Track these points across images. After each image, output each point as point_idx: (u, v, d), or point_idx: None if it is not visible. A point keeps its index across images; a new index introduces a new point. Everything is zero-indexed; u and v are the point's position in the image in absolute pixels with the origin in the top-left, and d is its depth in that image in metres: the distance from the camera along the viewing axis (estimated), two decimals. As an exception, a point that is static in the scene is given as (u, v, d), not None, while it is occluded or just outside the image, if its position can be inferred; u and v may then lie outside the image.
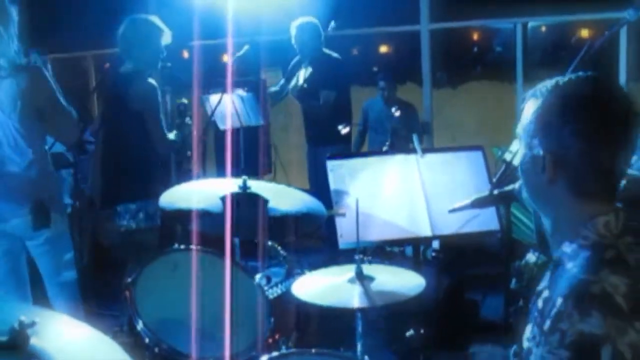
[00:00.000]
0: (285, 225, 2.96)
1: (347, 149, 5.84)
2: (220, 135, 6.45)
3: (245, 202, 2.93)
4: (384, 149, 3.65)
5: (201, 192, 3.01)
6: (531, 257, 5.12)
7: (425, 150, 3.28)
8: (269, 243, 4.02)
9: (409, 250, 4.45)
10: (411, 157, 3.27)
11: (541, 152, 1.52)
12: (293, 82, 5.71)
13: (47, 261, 3.51)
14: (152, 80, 4.25)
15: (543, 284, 1.57)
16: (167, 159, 4.39)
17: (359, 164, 3.25)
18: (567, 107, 1.50)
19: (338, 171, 3.21)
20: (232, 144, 5.96)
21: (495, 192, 2.32)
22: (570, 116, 1.49)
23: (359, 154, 3.60)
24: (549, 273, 1.56)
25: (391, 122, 6.02)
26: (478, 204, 2.41)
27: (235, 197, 2.93)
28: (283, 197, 3.06)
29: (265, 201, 2.95)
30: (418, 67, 7.37)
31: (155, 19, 4.40)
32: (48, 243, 3.46)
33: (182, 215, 2.94)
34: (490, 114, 11.30)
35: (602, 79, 1.55)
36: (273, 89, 6.21)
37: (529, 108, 1.57)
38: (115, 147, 4.29)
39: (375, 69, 14.02)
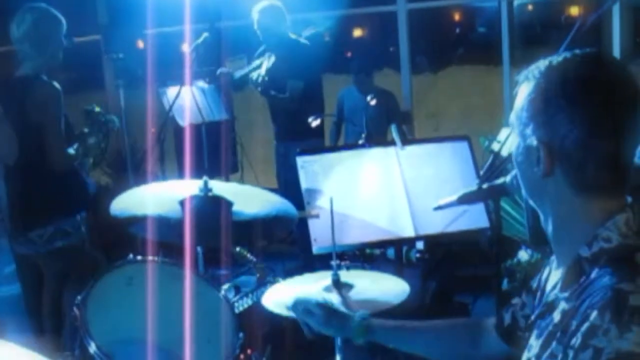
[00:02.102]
0: (252, 230, 2.90)
1: (319, 144, 5.77)
2: (180, 132, 6.38)
3: (207, 206, 2.87)
4: (360, 141, 3.60)
5: (158, 197, 2.95)
6: (523, 254, 5.13)
7: (405, 142, 3.23)
8: (237, 249, 3.97)
9: (391, 252, 4.42)
10: (390, 150, 3.22)
11: (535, 142, 1.45)
12: (255, 74, 5.62)
13: None
14: (55, 84, 3.95)
15: (555, 294, 1.50)
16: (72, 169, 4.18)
17: (333, 160, 3.19)
18: (562, 90, 1.42)
19: (309, 168, 3.15)
20: (193, 141, 5.89)
21: (484, 186, 2.28)
22: (566, 100, 1.41)
23: (332, 148, 3.55)
24: (559, 281, 1.49)
25: (368, 113, 5.99)
26: (465, 199, 2.36)
27: (196, 201, 2.87)
28: (249, 199, 3.01)
29: (229, 204, 2.89)
30: (395, 52, 7.36)
31: (49, 8, 4.06)
32: None
33: (136, 223, 2.86)
34: (475, 101, 11.33)
35: (602, 56, 1.47)
36: (239, 73, 6.12)
37: (522, 92, 1.50)
38: (18, 165, 4.01)
39: (349, 54, 14.01)
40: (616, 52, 6.51)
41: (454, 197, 2.41)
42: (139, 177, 5.95)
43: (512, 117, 1.52)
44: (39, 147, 3.89)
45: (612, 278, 1.35)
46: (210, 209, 2.86)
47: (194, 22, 6.39)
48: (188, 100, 6.09)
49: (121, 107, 6.90)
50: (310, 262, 5.37)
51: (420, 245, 4.55)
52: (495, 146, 4.27)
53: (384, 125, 6.28)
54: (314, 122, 5.34)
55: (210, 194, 2.90)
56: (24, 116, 3.88)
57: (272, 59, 5.38)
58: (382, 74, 8.95)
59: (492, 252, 4.54)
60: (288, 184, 5.55)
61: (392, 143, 3.25)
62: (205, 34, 5.57)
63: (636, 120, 1.42)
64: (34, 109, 3.88)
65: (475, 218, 3.12)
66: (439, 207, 2.50)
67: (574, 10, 13.66)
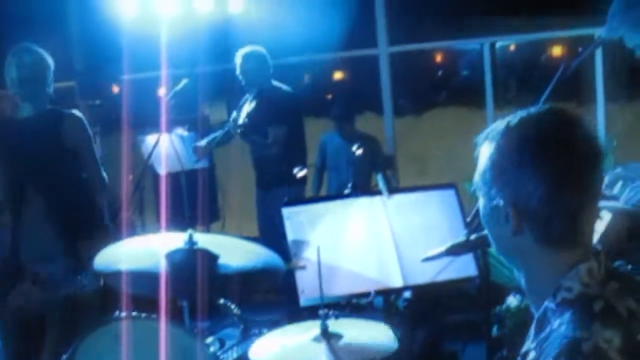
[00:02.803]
0: (238, 283, 2.96)
1: (302, 192, 5.83)
2: (159, 180, 6.42)
3: (193, 260, 2.92)
4: (346, 191, 3.67)
5: (143, 250, 3.00)
6: (512, 300, 5.19)
7: (392, 191, 3.31)
8: (221, 301, 4.01)
9: (378, 301, 4.47)
10: (377, 199, 3.29)
11: (502, 202, 1.52)
12: (233, 116, 5.66)
13: None
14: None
15: (527, 344, 1.57)
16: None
17: (319, 210, 3.26)
18: (522, 151, 1.50)
19: (296, 219, 3.21)
20: (173, 190, 5.93)
21: (472, 237, 2.36)
22: (527, 160, 1.49)
23: (318, 198, 3.62)
24: (532, 332, 1.57)
25: (352, 159, 6.07)
26: (454, 251, 2.43)
27: (181, 255, 2.92)
28: (234, 251, 3.07)
29: (215, 257, 2.94)
30: (377, 95, 7.48)
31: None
32: None
33: (121, 277, 2.91)
34: (459, 144, 11.42)
35: (560, 113, 1.55)
36: (213, 136, 6.08)
37: (483, 153, 1.58)
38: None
39: (329, 96, 14.14)
40: (600, 93, 6.68)
41: (442, 249, 2.48)
42: (117, 227, 5.96)
43: (477, 178, 1.60)
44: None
45: (569, 327, 1.43)
46: (196, 263, 2.90)
47: (172, 68, 6.47)
48: (167, 148, 6.14)
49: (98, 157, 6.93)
50: (296, 313, 5.40)
51: (407, 294, 4.60)
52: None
53: (367, 171, 6.37)
54: (300, 173, 5.41)
55: (195, 247, 2.94)
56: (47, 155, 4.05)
57: (253, 103, 5.44)
58: (364, 117, 9.06)
59: (480, 299, 4.61)
60: (269, 233, 5.59)
61: (378, 192, 3.33)
62: (185, 80, 5.66)
63: (596, 173, 1.51)
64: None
65: (463, 266, 3.20)
66: (428, 259, 2.57)
67: (557, 50, 13.92)
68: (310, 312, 3.83)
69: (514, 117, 1.55)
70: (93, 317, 4.04)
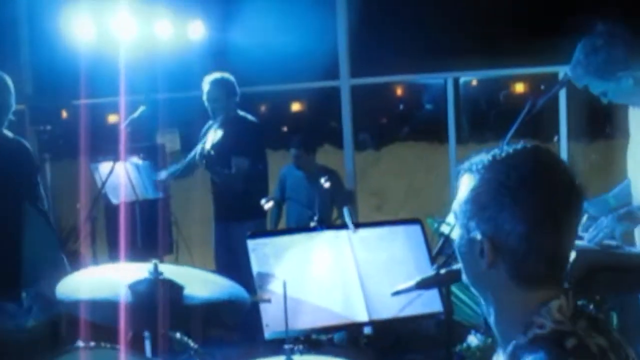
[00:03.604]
0: (203, 315, 3.04)
1: (263, 225, 5.91)
2: (111, 210, 6.46)
3: (158, 290, 3.00)
4: (312, 224, 3.79)
5: (105, 280, 3.07)
6: (473, 339, 5.34)
7: (357, 225, 3.43)
8: (177, 335, 4.07)
9: (338, 337, 4.57)
10: (342, 233, 3.41)
11: (479, 236, 1.61)
12: (199, 147, 5.74)
13: None
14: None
15: None
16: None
17: (285, 243, 3.35)
18: (505, 188, 1.58)
19: (261, 251, 3.31)
20: (126, 221, 5.97)
21: (442, 271, 2.49)
22: (509, 198, 1.57)
23: (283, 231, 3.73)
24: None
25: (313, 192, 6.19)
26: (424, 285, 2.55)
27: (146, 285, 3.00)
28: (199, 282, 3.15)
29: (180, 288, 3.03)
30: (335, 127, 7.62)
31: None
32: None
33: (83, 307, 2.98)
34: (419, 179, 11.68)
35: (542, 154, 1.65)
36: (174, 168, 6.19)
37: (464, 185, 1.65)
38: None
39: (285, 128, 14.24)
40: (563, 131, 6.90)
41: (411, 283, 2.60)
42: (68, 256, 5.97)
43: (455, 207, 1.68)
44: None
45: None
46: (160, 294, 2.98)
47: (128, 94, 6.53)
48: (122, 177, 6.18)
49: (47, 183, 6.97)
50: (254, 349, 5.47)
51: (368, 330, 4.71)
52: (445, 229, 4.51)
53: (327, 205, 6.49)
54: (267, 205, 5.50)
55: (160, 277, 3.02)
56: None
57: (219, 132, 5.51)
58: (323, 150, 9.22)
59: (440, 337, 4.74)
60: (227, 267, 5.64)
61: (344, 226, 3.45)
62: (142, 107, 5.69)
63: (575, 215, 1.63)
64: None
65: (429, 302, 3.32)
66: (397, 293, 2.69)
67: (519, 87, 14.27)
68: (267, 349, 3.93)
69: (500, 152, 1.64)
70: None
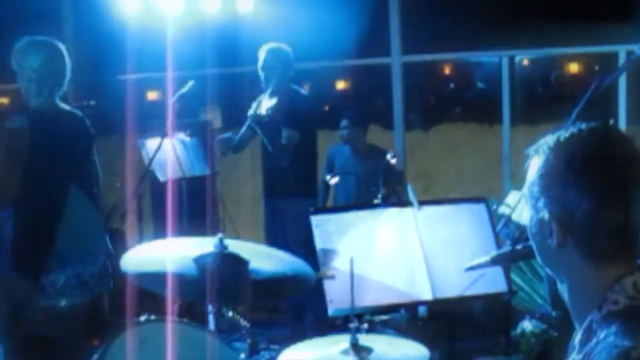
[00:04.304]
0: (269, 290, 3.14)
1: (314, 204, 5.96)
2: (157, 187, 6.58)
3: (223, 265, 3.10)
4: (376, 201, 3.88)
5: (171, 254, 3.17)
6: (527, 325, 5.39)
7: (422, 203, 3.51)
8: (230, 314, 4.19)
9: (394, 319, 4.65)
10: (407, 211, 3.50)
11: (547, 216, 1.69)
12: (253, 108, 5.74)
13: None
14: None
15: (572, 356, 1.74)
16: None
17: (348, 219, 3.45)
18: (570, 167, 1.65)
19: (324, 227, 3.40)
20: (173, 198, 6.08)
21: (519, 247, 2.55)
22: (574, 176, 1.65)
23: (347, 207, 3.80)
24: (577, 344, 1.73)
25: (362, 170, 6.28)
26: (499, 260, 2.63)
27: (211, 259, 3.10)
28: (263, 257, 3.25)
29: (245, 263, 3.13)
30: (383, 106, 7.67)
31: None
32: None
33: (149, 280, 3.09)
34: (468, 161, 11.71)
35: (608, 131, 1.72)
36: (226, 135, 6.11)
37: (533, 166, 1.74)
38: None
39: (326, 107, 14.27)
40: (622, 114, 6.90)
41: (486, 258, 2.67)
42: (112, 236, 6.09)
43: (525, 189, 1.78)
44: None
45: (616, 337, 1.60)
46: (227, 268, 3.08)
47: (174, 69, 6.62)
48: (169, 153, 6.30)
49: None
50: (301, 331, 5.58)
51: (422, 311, 4.79)
52: (505, 209, 4.58)
53: (374, 186, 6.55)
54: (333, 180, 5.53)
55: (225, 251, 3.12)
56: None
57: (274, 100, 5.52)
58: (369, 131, 9.27)
59: (491, 322, 4.81)
60: (277, 245, 5.70)
61: (408, 203, 3.53)
62: (191, 82, 5.75)
63: None
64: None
65: (493, 282, 3.41)
66: (471, 268, 2.77)
67: (573, 68, 14.17)
68: (315, 332, 4.03)
69: (564, 133, 1.72)
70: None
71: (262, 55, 5.88)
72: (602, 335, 1.63)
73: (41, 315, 4.14)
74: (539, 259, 1.81)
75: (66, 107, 4.37)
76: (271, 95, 5.58)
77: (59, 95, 4.31)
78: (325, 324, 4.19)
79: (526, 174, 1.78)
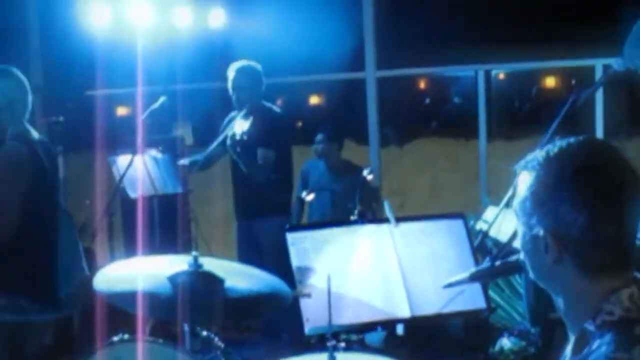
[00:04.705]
0: (245, 308, 3.16)
1: (287, 221, 5.97)
2: (128, 204, 6.57)
3: (198, 282, 3.11)
4: (352, 217, 3.91)
5: (144, 272, 3.18)
6: (506, 342, 5.45)
7: (399, 219, 3.54)
8: (204, 333, 4.20)
9: (370, 338, 4.67)
10: (384, 227, 3.52)
11: (542, 232, 1.70)
12: (229, 133, 5.76)
13: None
14: None
15: None
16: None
17: (324, 236, 3.47)
18: (562, 181, 1.68)
19: (300, 245, 3.42)
20: (144, 216, 6.07)
21: (497, 263, 2.59)
22: (567, 190, 1.67)
23: (322, 224, 3.82)
24: (569, 353, 1.76)
25: (337, 187, 6.32)
26: (478, 276, 2.66)
27: (186, 277, 3.11)
28: (239, 275, 3.26)
29: (221, 281, 3.14)
30: (356, 122, 7.70)
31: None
32: None
33: (121, 300, 3.10)
34: (443, 177, 11.79)
35: (596, 142, 1.77)
36: (195, 158, 6.20)
37: (522, 182, 1.77)
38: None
39: (299, 124, 14.31)
40: (599, 127, 6.99)
41: (465, 275, 2.70)
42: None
43: (515, 206, 1.80)
44: None
45: (609, 347, 1.62)
46: (202, 286, 3.10)
47: (145, 84, 6.62)
48: (140, 170, 6.29)
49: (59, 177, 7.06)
50: (275, 350, 5.58)
51: (399, 329, 4.82)
52: (482, 225, 4.63)
53: (350, 203, 6.57)
54: (309, 197, 5.56)
55: (200, 269, 3.13)
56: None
57: (249, 121, 5.54)
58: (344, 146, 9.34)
59: (469, 340, 4.84)
60: (251, 264, 5.72)
61: (384, 220, 3.56)
62: (163, 98, 5.77)
63: (636, 202, 1.72)
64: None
65: (472, 299, 3.43)
66: (450, 285, 2.80)
67: (550, 82, 14.31)
68: (290, 350, 4.04)
69: (553, 147, 1.74)
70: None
71: (231, 74, 5.93)
72: (595, 345, 1.66)
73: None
74: (532, 275, 1.83)
75: (37, 136, 4.38)
76: (245, 116, 5.61)
77: (26, 119, 4.34)
78: (300, 343, 4.21)
79: (508, 190, 1.81)
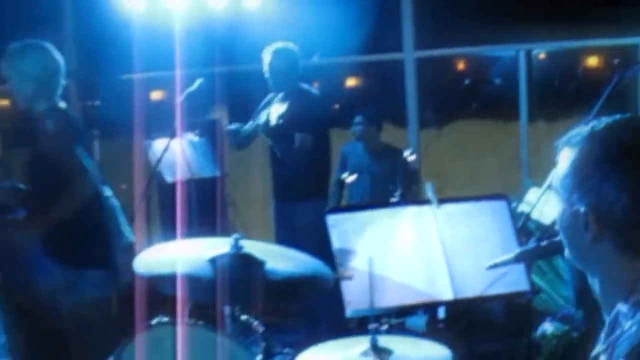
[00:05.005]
0: (286, 291, 3.17)
1: (325, 205, 5.96)
2: (165, 189, 6.62)
3: (238, 265, 3.14)
4: (393, 199, 3.91)
5: (184, 255, 3.21)
6: (549, 327, 5.43)
7: (441, 201, 3.54)
8: (244, 317, 4.23)
9: (411, 322, 4.68)
10: (426, 209, 3.52)
11: (582, 209, 1.69)
12: (263, 118, 5.79)
13: None
14: None
15: (598, 347, 1.78)
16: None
17: (365, 218, 3.47)
18: (607, 158, 1.67)
19: (341, 227, 3.43)
20: (182, 200, 6.11)
21: (543, 243, 2.58)
22: (612, 168, 1.66)
23: (363, 206, 3.84)
24: (603, 335, 1.77)
25: (377, 169, 6.31)
26: (523, 257, 2.66)
27: (227, 260, 3.14)
28: (280, 258, 3.28)
29: (262, 263, 3.16)
30: (394, 104, 7.68)
31: None
32: None
33: (162, 282, 3.13)
34: (483, 159, 11.74)
35: None
36: (234, 127, 6.20)
37: (564, 159, 1.75)
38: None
39: (336, 106, 14.30)
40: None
41: (511, 255, 2.70)
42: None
43: (556, 182, 1.79)
44: None
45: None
46: (242, 268, 3.12)
47: (181, 67, 6.64)
48: (177, 154, 6.33)
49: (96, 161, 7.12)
50: (315, 335, 5.60)
51: (441, 313, 4.82)
52: (524, 207, 4.62)
53: (390, 185, 6.55)
54: (349, 178, 5.55)
55: (241, 252, 3.16)
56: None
57: (285, 105, 5.54)
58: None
59: (510, 324, 4.83)
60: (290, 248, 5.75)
61: (426, 201, 3.56)
62: (199, 80, 5.79)
63: None
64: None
65: (515, 281, 3.43)
66: (494, 266, 2.80)
67: (592, 61, 14.15)
68: (330, 335, 4.05)
69: (598, 123, 1.73)
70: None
71: (266, 57, 5.91)
72: (626, 325, 1.67)
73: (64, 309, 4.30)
74: (568, 253, 1.83)
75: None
76: (282, 99, 5.59)
77: (58, 95, 4.41)
78: (340, 328, 4.23)
79: (551, 169, 1.80)
